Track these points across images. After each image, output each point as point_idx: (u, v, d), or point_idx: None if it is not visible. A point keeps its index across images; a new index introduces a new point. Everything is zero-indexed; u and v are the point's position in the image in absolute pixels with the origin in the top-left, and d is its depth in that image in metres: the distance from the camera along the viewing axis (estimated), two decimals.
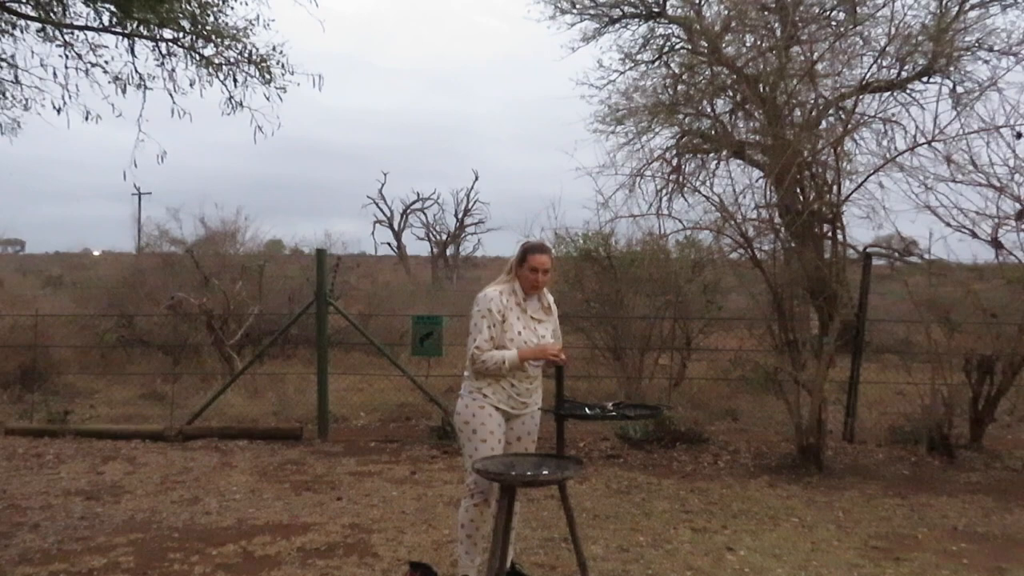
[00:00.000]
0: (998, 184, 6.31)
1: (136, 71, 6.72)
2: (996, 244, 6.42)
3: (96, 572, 4.29)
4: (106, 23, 6.43)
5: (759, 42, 8.61)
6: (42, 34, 6.49)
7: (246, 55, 6.73)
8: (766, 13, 9.29)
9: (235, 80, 6.80)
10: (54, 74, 6.52)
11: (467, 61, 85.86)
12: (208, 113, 7.05)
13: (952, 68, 9.27)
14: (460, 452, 4.03)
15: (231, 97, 6.84)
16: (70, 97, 6.56)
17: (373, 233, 43.08)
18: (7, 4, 6.20)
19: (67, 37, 6.50)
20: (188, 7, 6.38)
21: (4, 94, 6.74)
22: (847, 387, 7.54)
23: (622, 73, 12.05)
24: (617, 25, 12.33)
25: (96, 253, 35.60)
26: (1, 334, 10.51)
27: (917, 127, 7.68)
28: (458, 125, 75.63)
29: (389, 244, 39.38)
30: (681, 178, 10.55)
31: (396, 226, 39.42)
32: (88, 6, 6.26)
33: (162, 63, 6.71)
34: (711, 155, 11.16)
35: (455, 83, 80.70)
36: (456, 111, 75.30)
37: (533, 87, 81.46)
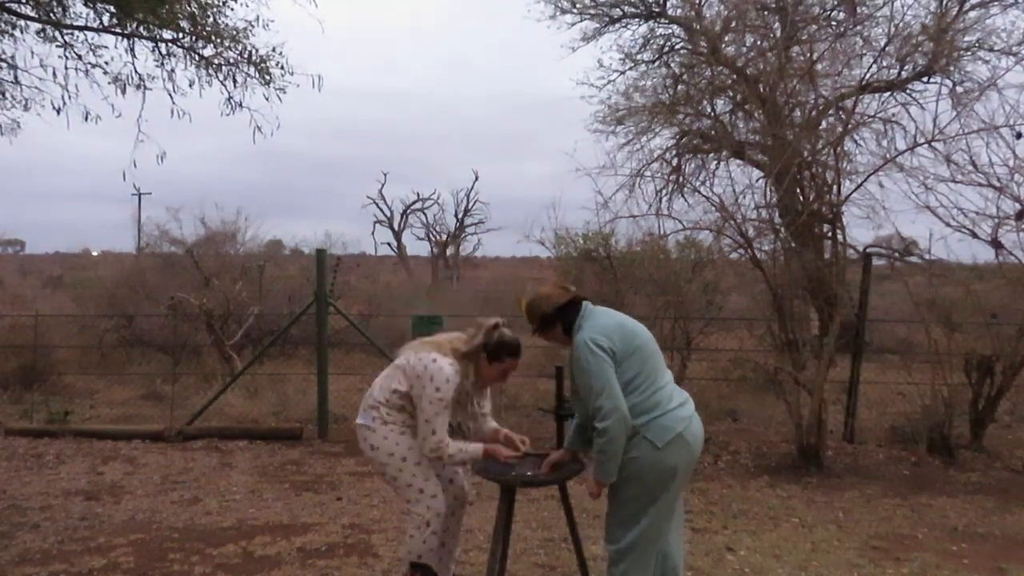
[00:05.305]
0: (998, 184, 6.31)
1: (136, 71, 6.74)
2: (996, 244, 6.41)
3: (96, 572, 4.29)
4: (106, 24, 6.44)
5: (759, 42, 8.60)
6: (42, 35, 6.50)
7: (246, 56, 6.75)
8: (766, 13, 9.28)
9: (234, 80, 6.83)
10: (54, 74, 6.54)
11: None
12: (208, 115, 7.05)
13: (952, 68, 9.25)
14: (395, 489, 3.63)
15: (230, 97, 6.86)
16: (70, 97, 6.58)
17: (373, 233, 43.23)
18: (7, 4, 6.20)
19: (67, 38, 6.51)
20: (188, 8, 6.39)
21: (4, 94, 6.75)
22: (847, 387, 7.54)
23: (622, 73, 12.06)
24: (617, 25, 12.34)
25: (96, 253, 35.66)
26: (1, 334, 10.52)
27: (917, 127, 7.70)
28: (449, 131, 75.81)
29: (389, 244, 39.49)
30: (681, 178, 10.54)
31: (396, 226, 39.51)
32: (88, 7, 6.27)
33: (162, 63, 6.73)
34: (711, 155, 11.16)
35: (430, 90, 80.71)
36: (446, 117, 75.51)
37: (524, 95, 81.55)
